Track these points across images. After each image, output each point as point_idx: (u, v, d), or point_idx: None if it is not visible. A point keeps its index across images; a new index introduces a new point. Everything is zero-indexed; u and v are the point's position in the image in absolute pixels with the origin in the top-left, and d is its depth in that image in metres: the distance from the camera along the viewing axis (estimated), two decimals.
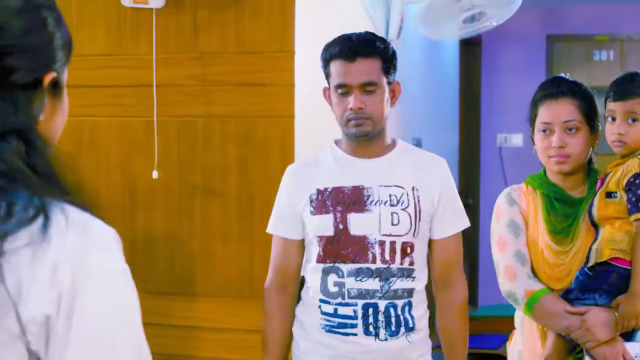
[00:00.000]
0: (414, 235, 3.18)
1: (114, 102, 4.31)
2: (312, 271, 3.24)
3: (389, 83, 3.19)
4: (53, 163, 1.50)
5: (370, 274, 3.15)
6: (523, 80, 8.97)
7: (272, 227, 3.34)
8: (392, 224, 3.15)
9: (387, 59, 3.17)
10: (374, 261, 3.15)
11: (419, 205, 3.19)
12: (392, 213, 3.15)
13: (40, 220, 1.39)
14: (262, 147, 4.10)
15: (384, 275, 3.15)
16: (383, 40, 3.22)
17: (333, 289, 3.17)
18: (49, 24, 1.57)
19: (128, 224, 4.29)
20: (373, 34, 3.24)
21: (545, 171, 3.33)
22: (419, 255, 3.21)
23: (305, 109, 4.10)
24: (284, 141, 4.07)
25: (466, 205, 3.61)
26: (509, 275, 3.22)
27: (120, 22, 4.28)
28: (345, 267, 3.15)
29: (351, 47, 3.12)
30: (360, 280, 3.14)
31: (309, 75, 4.13)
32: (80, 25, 4.32)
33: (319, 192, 3.21)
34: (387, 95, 3.17)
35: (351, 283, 3.15)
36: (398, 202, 3.17)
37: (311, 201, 3.22)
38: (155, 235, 4.25)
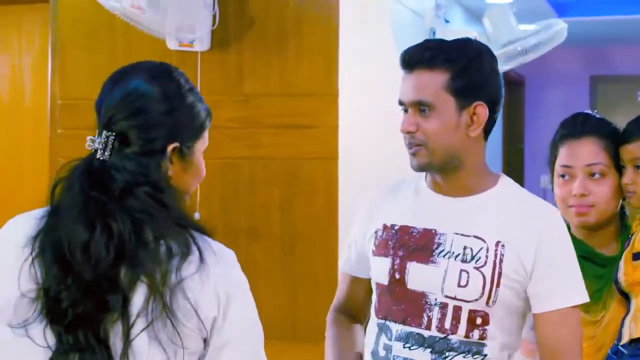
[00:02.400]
0: (487, 303, 2.41)
1: None
2: (371, 324, 2.62)
3: (463, 105, 2.43)
4: (180, 203, 2.02)
5: (422, 342, 2.46)
6: None
7: (341, 260, 2.80)
8: (459, 285, 2.42)
9: (459, 73, 2.43)
10: (428, 327, 2.45)
11: (500, 267, 2.41)
12: (461, 271, 2.43)
13: (196, 252, 1.96)
14: (306, 189, 4.11)
15: (437, 346, 2.44)
16: (465, 48, 2.48)
17: (382, 352, 2.53)
18: (177, 109, 2.07)
19: None
20: (467, 40, 2.54)
21: (570, 226, 2.75)
22: (500, 330, 2.45)
23: (349, 151, 4.11)
24: (327, 183, 4.07)
25: None
26: (527, 350, 2.64)
27: None
28: (395, 328, 2.50)
29: (412, 54, 2.47)
30: (409, 347, 2.47)
31: (352, 116, 4.14)
32: None
33: (385, 228, 2.56)
34: (453, 119, 2.43)
35: (398, 349, 2.49)
36: (472, 259, 2.43)
37: (375, 237, 2.59)
38: None
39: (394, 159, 4.62)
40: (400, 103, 2.48)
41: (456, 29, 5.40)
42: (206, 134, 2.14)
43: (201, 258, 1.96)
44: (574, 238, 2.62)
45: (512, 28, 4.92)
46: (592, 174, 2.71)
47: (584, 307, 2.56)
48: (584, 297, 2.44)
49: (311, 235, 4.08)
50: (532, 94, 8.97)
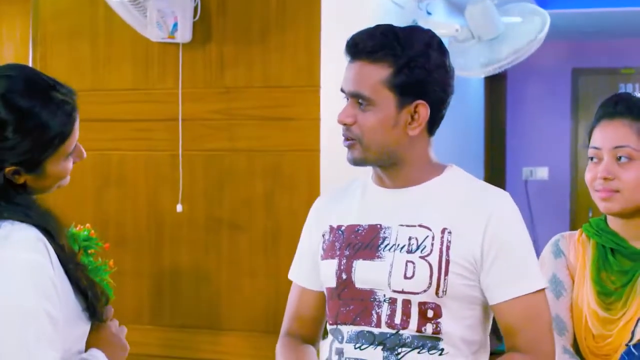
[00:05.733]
0: (437, 293, 2.27)
1: (141, 136, 4.33)
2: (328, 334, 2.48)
3: (404, 103, 2.30)
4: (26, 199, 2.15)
5: (372, 340, 2.32)
6: (548, 113, 8.98)
7: (291, 272, 2.64)
8: (405, 277, 2.29)
9: (401, 69, 2.28)
10: (378, 324, 2.31)
11: (448, 254, 2.28)
12: (406, 262, 2.30)
13: None
14: (288, 181, 4.11)
15: (389, 343, 2.30)
16: (412, 41, 2.31)
17: (334, 358, 2.39)
18: (37, 130, 2.10)
19: (154, 257, 4.30)
20: (416, 31, 2.37)
21: (606, 216, 2.57)
22: (456, 323, 2.31)
23: (331, 143, 4.11)
24: (309, 175, 4.07)
25: None
26: None
27: (147, 57, 4.31)
28: (346, 330, 2.36)
29: (357, 41, 2.33)
30: (359, 348, 2.34)
31: (334, 109, 4.12)
32: (108, 60, 4.36)
33: (331, 230, 2.45)
34: (391, 116, 2.30)
35: (349, 351, 2.35)
36: (418, 248, 2.30)
37: (323, 242, 2.47)
38: (182, 268, 4.26)
39: None
40: (342, 91, 2.37)
41: (438, 21, 5.40)
42: (70, 142, 2.17)
43: None
44: (607, 228, 2.54)
45: (494, 21, 4.92)
46: (619, 158, 2.47)
47: (604, 304, 2.47)
48: (539, 283, 2.30)
49: (293, 228, 4.06)
50: (514, 88, 8.99)
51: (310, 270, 2.52)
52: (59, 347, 2.05)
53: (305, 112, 4.07)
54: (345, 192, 2.52)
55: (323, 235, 2.47)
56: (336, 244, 2.41)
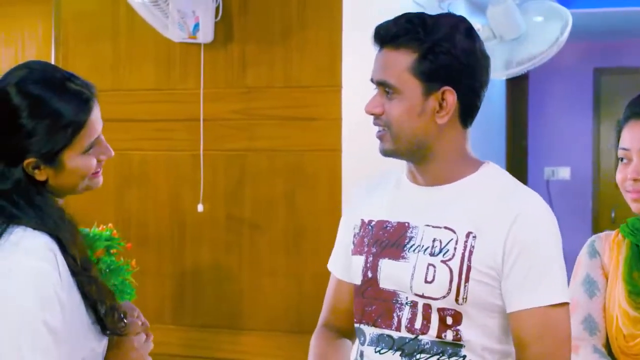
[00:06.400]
0: (457, 300, 2.17)
1: (162, 136, 4.34)
2: None
3: (430, 89, 2.21)
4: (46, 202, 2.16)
5: (391, 344, 2.25)
6: (570, 113, 8.94)
7: (329, 262, 2.56)
8: (426, 281, 2.20)
9: (426, 54, 2.20)
10: (398, 328, 2.24)
11: (470, 259, 2.17)
12: (428, 265, 2.20)
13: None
14: (309, 181, 4.11)
15: (407, 348, 2.22)
16: (437, 25, 2.22)
17: (357, 359, 2.34)
18: (50, 117, 2.12)
19: (176, 256, 4.31)
20: (442, 16, 2.28)
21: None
22: (476, 331, 2.20)
23: (352, 143, 4.10)
24: (330, 175, 4.07)
25: None
26: (573, 346, 2.28)
27: (169, 58, 4.32)
28: (368, 332, 2.30)
29: (382, 29, 2.28)
30: (379, 352, 2.27)
31: (355, 109, 4.13)
32: (129, 60, 4.37)
33: (362, 224, 2.39)
34: (417, 104, 2.22)
35: (369, 354, 2.29)
36: (440, 251, 2.20)
37: (354, 235, 2.42)
38: (203, 268, 4.27)
39: None
40: (371, 80, 2.31)
41: None
42: (86, 133, 2.17)
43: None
44: (638, 228, 2.48)
45: (516, 20, 4.90)
46: None
47: (635, 303, 2.40)
48: (561, 296, 2.14)
49: (315, 227, 4.08)
50: (535, 88, 8.96)
51: (345, 261, 2.44)
52: (57, 357, 2.04)
53: (326, 112, 4.06)
54: (379, 185, 2.44)
55: (354, 228, 2.41)
56: (365, 239, 2.34)
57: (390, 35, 2.23)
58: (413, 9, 4.85)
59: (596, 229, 2.86)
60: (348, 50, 4.07)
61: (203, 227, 4.28)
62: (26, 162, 2.13)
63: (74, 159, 2.17)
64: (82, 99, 2.15)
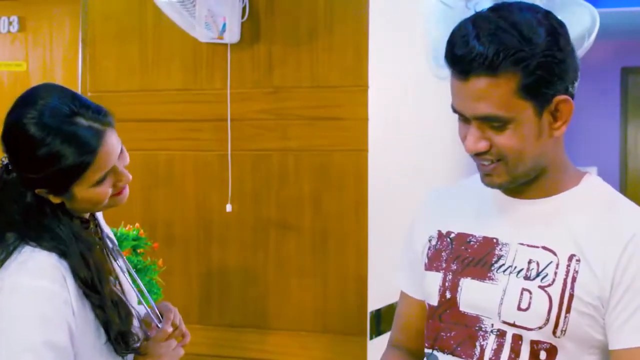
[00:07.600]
0: (554, 332, 1.91)
1: (189, 137, 4.35)
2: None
3: (543, 105, 1.94)
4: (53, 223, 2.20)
5: None
6: (597, 113, 8.91)
7: (396, 276, 2.35)
8: (519, 308, 1.94)
9: (532, 71, 1.87)
10: (480, 359, 1.99)
11: (572, 287, 1.91)
12: (522, 290, 1.95)
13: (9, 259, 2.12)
14: (336, 181, 4.10)
15: None
16: (533, 34, 1.87)
17: None
18: (51, 160, 2.12)
19: (203, 256, 4.31)
20: (531, 19, 1.91)
21: None
22: None
23: (379, 143, 4.10)
24: (357, 175, 4.06)
25: None
26: None
27: (196, 58, 4.33)
28: (443, 359, 2.06)
29: (465, 57, 1.88)
30: None
31: (383, 109, 4.13)
32: (157, 60, 4.38)
33: (439, 235, 2.14)
34: (533, 126, 1.94)
35: None
36: (538, 275, 1.93)
37: (429, 248, 2.17)
38: (230, 268, 4.27)
39: (424, 151, 4.61)
40: (455, 111, 1.98)
41: None
42: (96, 169, 2.18)
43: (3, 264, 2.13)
44: None
45: None
46: None
47: None
48: None
49: (341, 227, 4.07)
50: None
51: (415, 276, 2.22)
52: None
53: (353, 112, 4.06)
54: (460, 191, 2.21)
55: (429, 240, 2.18)
56: (443, 254, 2.10)
57: (486, 63, 1.86)
58: (440, 9, 4.85)
59: None
60: (374, 50, 4.06)
61: (229, 227, 4.28)
62: (37, 190, 2.18)
63: (85, 191, 2.19)
64: (91, 135, 2.13)
